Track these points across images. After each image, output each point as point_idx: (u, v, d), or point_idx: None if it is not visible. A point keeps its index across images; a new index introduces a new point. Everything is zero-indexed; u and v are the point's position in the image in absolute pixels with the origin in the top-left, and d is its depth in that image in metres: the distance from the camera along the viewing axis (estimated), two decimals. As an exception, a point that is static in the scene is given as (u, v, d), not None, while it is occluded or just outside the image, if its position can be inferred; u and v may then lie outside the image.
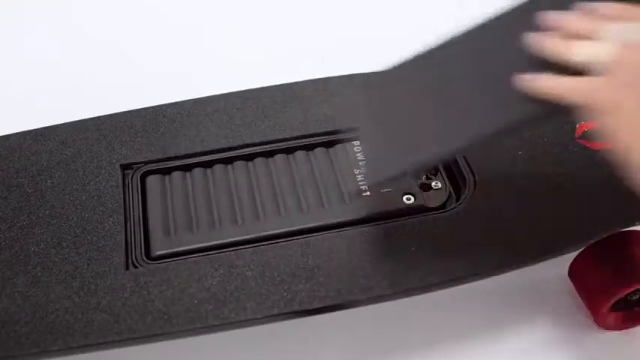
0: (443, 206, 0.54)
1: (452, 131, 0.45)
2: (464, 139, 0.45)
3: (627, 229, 0.53)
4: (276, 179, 0.56)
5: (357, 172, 0.57)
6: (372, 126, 0.51)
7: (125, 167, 0.57)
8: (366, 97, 0.54)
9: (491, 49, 0.46)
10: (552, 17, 0.42)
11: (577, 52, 0.39)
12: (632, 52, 0.37)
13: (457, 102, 0.46)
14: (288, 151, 0.58)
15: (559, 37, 0.41)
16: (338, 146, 0.59)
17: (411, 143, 0.48)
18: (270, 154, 0.58)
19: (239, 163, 0.58)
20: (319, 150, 0.58)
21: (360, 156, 0.58)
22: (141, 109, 0.62)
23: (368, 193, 0.55)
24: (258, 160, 0.58)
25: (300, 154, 0.58)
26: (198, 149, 0.58)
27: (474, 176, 0.55)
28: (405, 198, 0.54)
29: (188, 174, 0.57)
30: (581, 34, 0.40)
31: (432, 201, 0.54)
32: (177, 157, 0.58)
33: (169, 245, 0.52)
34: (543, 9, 0.43)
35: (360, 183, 0.56)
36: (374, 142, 0.51)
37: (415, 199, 0.54)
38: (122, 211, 0.53)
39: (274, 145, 0.58)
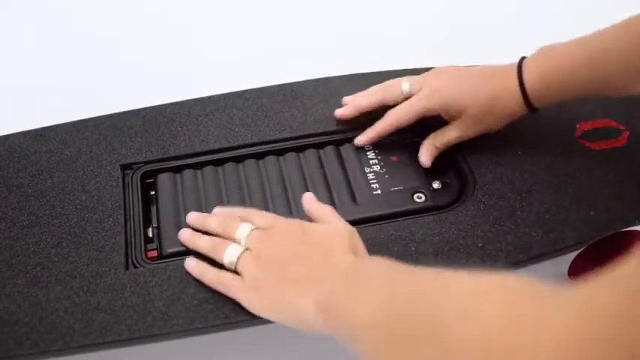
0: (448, 205, 0.54)
1: None
2: None
3: (627, 229, 0.53)
4: (287, 177, 0.56)
5: (368, 170, 0.57)
6: None
7: (125, 167, 0.57)
8: None
9: None
10: (196, 219, 0.51)
11: (222, 256, 0.47)
12: (251, 253, 0.46)
13: None
14: (299, 149, 0.58)
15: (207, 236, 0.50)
16: (348, 145, 0.59)
17: None
18: (280, 152, 0.58)
19: (250, 161, 0.58)
20: (329, 148, 0.59)
21: (370, 154, 0.58)
22: (141, 109, 0.62)
23: (379, 192, 0.55)
24: (270, 159, 0.58)
25: (310, 152, 0.58)
26: (198, 149, 0.58)
27: (474, 176, 0.55)
28: (415, 197, 0.55)
29: (199, 172, 0.57)
30: (222, 234, 0.49)
31: (440, 200, 0.55)
32: (177, 157, 0.58)
33: (180, 243, 0.51)
34: None
35: (370, 182, 0.56)
36: None
37: (426, 199, 0.54)
38: (122, 211, 0.53)
39: (274, 144, 0.59)
